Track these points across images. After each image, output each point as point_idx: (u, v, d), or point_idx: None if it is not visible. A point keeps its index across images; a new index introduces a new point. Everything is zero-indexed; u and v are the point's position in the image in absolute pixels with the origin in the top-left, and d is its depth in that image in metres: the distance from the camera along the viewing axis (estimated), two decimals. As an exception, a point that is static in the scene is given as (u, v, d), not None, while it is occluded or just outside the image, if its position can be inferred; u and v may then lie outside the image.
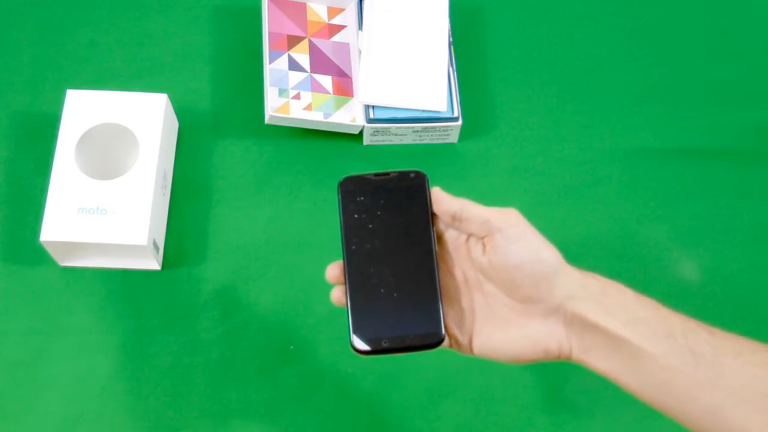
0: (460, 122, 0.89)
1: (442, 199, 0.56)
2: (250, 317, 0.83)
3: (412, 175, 0.57)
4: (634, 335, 0.50)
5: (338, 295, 0.56)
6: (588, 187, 0.91)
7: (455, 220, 0.55)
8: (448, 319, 0.56)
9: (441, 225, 0.57)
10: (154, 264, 0.84)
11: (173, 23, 0.96)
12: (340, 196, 0.57)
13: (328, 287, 0.84)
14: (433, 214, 0.56)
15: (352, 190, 0.57)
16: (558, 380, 0.82)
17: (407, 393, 0.81)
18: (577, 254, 0.87)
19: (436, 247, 0.56)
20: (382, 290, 0.54)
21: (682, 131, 0.94)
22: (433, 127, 0.89)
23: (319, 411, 0.80)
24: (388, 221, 0.56)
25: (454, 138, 0.92)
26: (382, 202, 0.56)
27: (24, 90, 0.92)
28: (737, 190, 0.91)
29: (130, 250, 0.82)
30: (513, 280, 0.53)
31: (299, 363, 0.81)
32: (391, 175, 0.57)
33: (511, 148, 0.92)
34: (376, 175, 0.57)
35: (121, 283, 0.84)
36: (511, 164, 0.91)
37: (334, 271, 0.56)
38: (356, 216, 0.56)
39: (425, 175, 0.57)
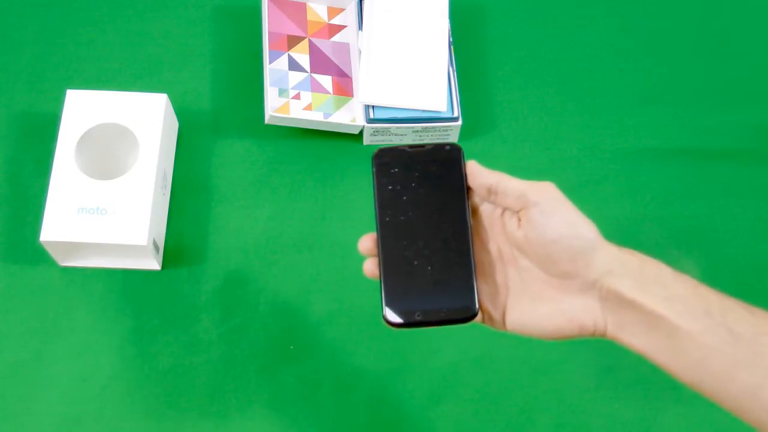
0: (460, 122, 0.89)
1: (478, 173, 0.55)
2: (250, 317, 0.83)
3: (447, 147, 0.56)
4: (671, 312, 0.49)
5: (371, 267, 0.54)
6: (588, 187, 0.91)
7: (491, 193, 0.54)
8: (482, 293, 0.55)
9: (476, 199, 0.57)
10: (154, 264, 0.84)
11: (173, 23, 0.96)
12: (374, 167, 0.56)
13: (329, 287, 0.84)
14: (469, 188, 0.56)
15: (387, 161, 0.56)
16: (558, 380, 0.82)
17: (407, 393, 0.81)
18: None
19: (471, 221, 0.55)
20: (416, 263, 0.53)
21: (682, 131, 0.94)
22: (433, 127, 0.89)
23: (319, 411, 0.80)
24: (423, 194, 0.55)
25: (454, 138, 0.92)
26: (416, 174, 0.56)
27: (24, 90, 0.92)
28: (737, 190, 0.91)
29: (130, 250, 0.82)
30: (549, 254, 0.52)
31: (299, 363, 0.81)
32: (427, 147, 0.56)
33: (511, 148, 0.92)
34: (411, 147, 0.57)
35: (121, 283, 0.84)
36: (511, 164, 0.91)
37: (367, 243, 0.55)
38: (390, 188, 0.55)
39: (461, 148, 0.56)
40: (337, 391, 0.81)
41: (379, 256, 0.54)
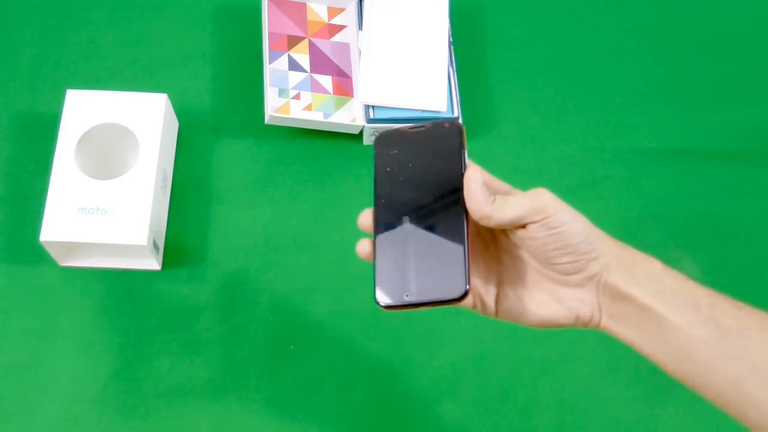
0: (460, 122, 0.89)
1: (473, 197, 0.52)
2: (250, 317, 0.83)
3: (446, 125, 0.55)
4: (660, 305, 0.50)
5: (365, 246, 0.53)
6: (588, 187, 0.91)
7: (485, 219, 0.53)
8: (475, 277, 0.55)
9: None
10: (154, 264, 0.84)
11: (173, 23, 0.96)
12: (375, 150, 0.56)
13: (329, 287, 0.84)
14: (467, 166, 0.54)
15: (387, 143, 0.56)
16: (558, 380, 0.82)
17: (407, 393, 0.81)
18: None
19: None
20: (409, 245, 0.53)
21: (682, 131, 0.94)
22: (433, 127, 0.89)
23: (319, 411, 0.80)
24: (420, 175, 0.54)
25: (454, 138, 0.92)
26: (414, 155, 0.55)
27: (24, 90, 0.92)
28: (737, 190, 0.91)
29: (130, 250, 0.82)
30: (552, 257, 0.52)
31: (299, 363, 0.81)
32: (426, 125, 0.56)
33: (511, 148, 0.92)
34: (411, 127, 0.56)
35: (121, 283, 0.84)
36: (511, 164, 0.91)
37: (367, 218, 0.54)
38: (388, 169, 0.55)
39: (461, 126, 0.55)
40: (337, 391, 0.80)
41: (374, 238, 0.54)
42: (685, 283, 0.52)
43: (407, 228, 0.53)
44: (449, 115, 0.89)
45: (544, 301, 0.54)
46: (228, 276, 0.84)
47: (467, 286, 0.51)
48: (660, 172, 0.92)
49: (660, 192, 0.91)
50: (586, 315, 0.53)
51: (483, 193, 0.52)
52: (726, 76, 0.97)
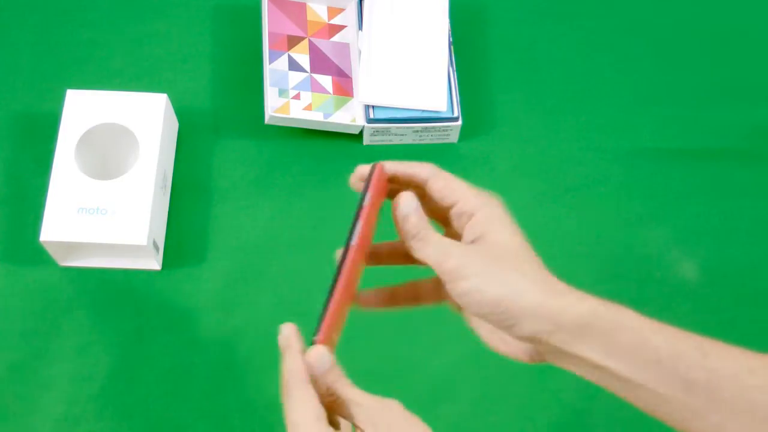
0: (460, 122, 0.89)
1: (405, 217, 0.50)
2: (250, 317, 0.83)
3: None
4: (618, 365, 0.46)
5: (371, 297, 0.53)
6: (588, 187, 0.91)
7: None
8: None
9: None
10: (154, 264, 0.84)
11: (173, 23, 0.96)
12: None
13: (328, 287, 0.84)
14: (369, 204, 0.51)
15: None
16: (558, 380, 0.82)
17: (407, 393, 0.80)
18: (577, 254, 0.87)
19: (356, 240, 0.51)
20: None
21: (682, 131, 0.94)
22: (433, 127, 0.89)
23: (319, 411, 0.79)
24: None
25: (454, 138, 0.92)
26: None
27: (24, 90, 0.92)
28: (737, 190, 0.91)
29: (130, 250, 0.82)
30: (483, 316, 0.49)
31: (299, 363, 0.81)
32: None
33: (511, 148, 0.92)
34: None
35: (121, 283, 0.84)
36: (511, 164, 0.91)
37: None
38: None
39: (376, 165, 0.53)
40: (337, 391, 0.80)
41: (336, 281, 0.52)
42: (640, 336, 0.46)
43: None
44: (449, 115, 0.89)
45: (486, 333, 0.53)
46: (228, 276, 0.84)
47: (315, 337, 0.49)
48: (660, 172, 0.92)
49: (660, 192, 0.91)
50: (537, 359, 0.50)
51: (411, 223, 0.50)
52: (726, 76, 0.97)
